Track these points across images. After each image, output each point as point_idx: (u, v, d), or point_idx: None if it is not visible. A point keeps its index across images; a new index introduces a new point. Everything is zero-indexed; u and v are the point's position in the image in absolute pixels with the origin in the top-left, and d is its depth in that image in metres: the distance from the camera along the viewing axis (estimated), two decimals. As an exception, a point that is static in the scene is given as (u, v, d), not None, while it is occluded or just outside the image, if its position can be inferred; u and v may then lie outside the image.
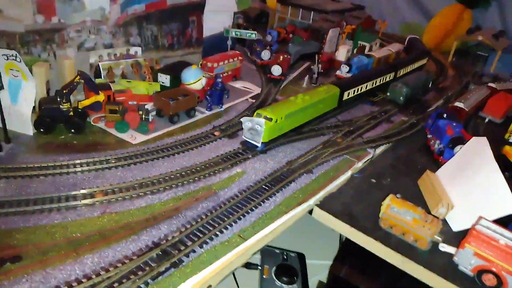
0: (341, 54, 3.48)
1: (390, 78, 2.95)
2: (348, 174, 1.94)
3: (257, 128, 1.89)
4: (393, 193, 1.60)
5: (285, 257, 1.96)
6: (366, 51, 3.60)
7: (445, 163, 1.93)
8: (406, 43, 3.90)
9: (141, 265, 1.24)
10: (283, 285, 1.81)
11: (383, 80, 2.87)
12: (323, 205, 1.68)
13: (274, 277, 1.86)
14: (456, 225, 1.59)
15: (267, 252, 1.98)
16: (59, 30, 2.10)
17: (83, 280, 1.17)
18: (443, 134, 2.09)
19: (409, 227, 1.49)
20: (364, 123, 2.45)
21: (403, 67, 3.11)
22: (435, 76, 3.56)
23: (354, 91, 2.56)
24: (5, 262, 1.19)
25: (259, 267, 1.92)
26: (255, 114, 1.94)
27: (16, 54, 1.73)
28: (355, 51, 3.68)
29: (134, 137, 1.98)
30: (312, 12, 4.17)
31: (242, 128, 1.99)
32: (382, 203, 1.58)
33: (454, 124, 2.12)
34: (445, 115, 2.23)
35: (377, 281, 1.67)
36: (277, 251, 2.00)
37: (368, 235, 1.54)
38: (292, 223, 1.64)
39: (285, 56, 3.04)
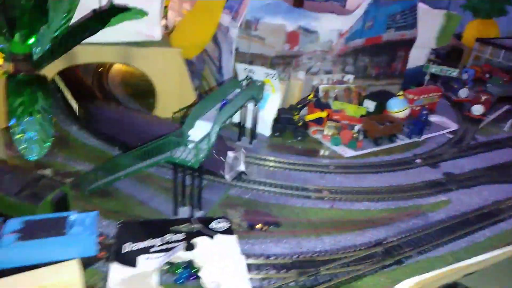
0: (553, 101, 3.20)
1: None
2: None
3: None
4: None
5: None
6: None
7: None
8: None
9: (369, 255, 1.51)
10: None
11: None
12: (537, 250, 1.68)
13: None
14: None
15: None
16: (296, 56, 2.60)
17: (324, 254, 1.50)
18: None
19: None
20: None
21: None
22: None
23: None
24: (270, 225, 1.62)
25: None
26: None
27: (275, 73, 2.24)
28: None
29: (345, 151, 2.31)
30: (517, 53, 3.93)
31: (442, 160, 2.17)
32: None
33: None
34: None
35: None
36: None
37: None
38: (500, 261, 1.69)
39: (487, 96, 2.99)
